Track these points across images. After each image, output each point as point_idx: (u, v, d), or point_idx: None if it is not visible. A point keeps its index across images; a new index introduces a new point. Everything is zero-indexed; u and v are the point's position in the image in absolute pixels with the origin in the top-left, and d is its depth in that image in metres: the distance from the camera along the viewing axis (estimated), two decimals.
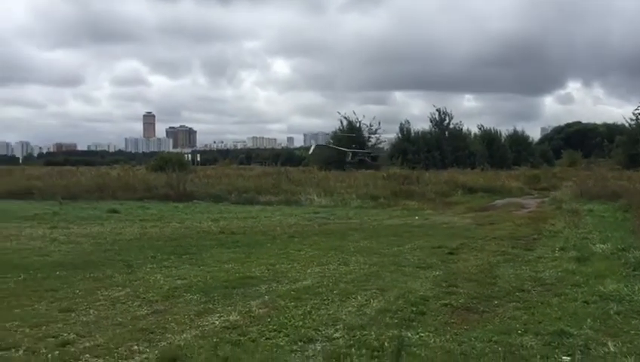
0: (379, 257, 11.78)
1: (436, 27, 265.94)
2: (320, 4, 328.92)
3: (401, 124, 68.26)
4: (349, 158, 60.35)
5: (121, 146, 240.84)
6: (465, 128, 70.17)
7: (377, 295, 8.44)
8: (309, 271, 10.38)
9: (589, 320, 6.97)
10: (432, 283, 9.21)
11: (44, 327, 6.91)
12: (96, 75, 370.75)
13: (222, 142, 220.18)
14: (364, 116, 68.28)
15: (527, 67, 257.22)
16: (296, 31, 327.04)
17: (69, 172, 42.00)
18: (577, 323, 6.86)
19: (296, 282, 9.40)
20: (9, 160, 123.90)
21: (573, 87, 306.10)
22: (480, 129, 73.49)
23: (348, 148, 61.86)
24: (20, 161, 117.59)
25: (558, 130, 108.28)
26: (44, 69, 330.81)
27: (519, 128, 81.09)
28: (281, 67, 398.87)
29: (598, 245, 12.73)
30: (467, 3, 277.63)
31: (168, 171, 32.71)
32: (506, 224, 17.60)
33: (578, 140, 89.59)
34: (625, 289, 8.43)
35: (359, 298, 8.26)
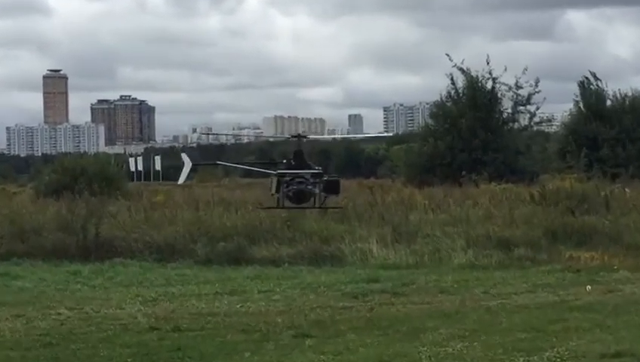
0: None
1: None
2: None
3: (583, 81, 36.09)
4: (274, 187, 20.73)
5: (0, 144, 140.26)
6: None
7: None
8: None
9: None
10: None
11: None
12: None
13: (210, 128, 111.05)
14: (505, 68, 33.15)
15: None
16: None
17: None
18: None
19: None
20: None
21: None
22: None
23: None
24: None
25: None
26: None
27: None
28: None
29: None
30: None
31: (75, 195, 19.35)
32: None
33: None
34: None
35: None
